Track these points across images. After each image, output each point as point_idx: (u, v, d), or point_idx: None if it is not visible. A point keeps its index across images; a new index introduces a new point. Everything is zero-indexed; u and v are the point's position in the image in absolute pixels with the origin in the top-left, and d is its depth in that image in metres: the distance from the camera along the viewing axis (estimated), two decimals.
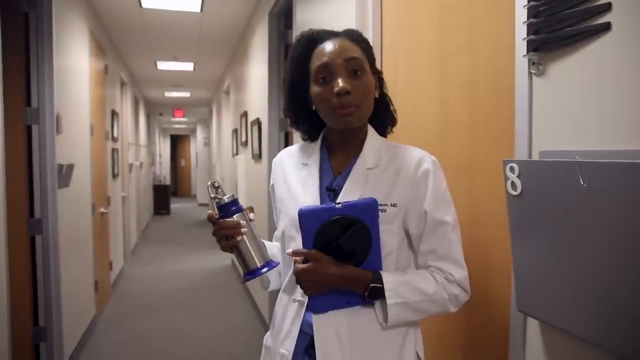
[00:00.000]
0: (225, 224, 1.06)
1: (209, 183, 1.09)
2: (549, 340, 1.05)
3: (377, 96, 1.14)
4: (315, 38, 1.12)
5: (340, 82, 1.05)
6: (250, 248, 1.07)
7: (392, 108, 1.21)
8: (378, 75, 1.16)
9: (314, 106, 1.13)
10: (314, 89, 1.09)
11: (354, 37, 1.13)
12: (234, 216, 1.07)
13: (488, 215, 1.28)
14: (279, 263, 1.15)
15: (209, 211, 1.09)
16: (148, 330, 4.13)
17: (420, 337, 1.17)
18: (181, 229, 10.23)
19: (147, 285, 5.61)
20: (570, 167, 0.87)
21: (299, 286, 1.07)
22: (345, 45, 1.09)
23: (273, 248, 1.28)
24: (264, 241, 1.22)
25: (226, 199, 1.08)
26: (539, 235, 0.99)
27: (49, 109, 2.90)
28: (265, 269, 1.08)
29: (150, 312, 4.62)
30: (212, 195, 1.08)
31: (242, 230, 1.06)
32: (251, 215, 1.11)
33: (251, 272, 1.08)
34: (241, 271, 1.11)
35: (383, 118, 1.19)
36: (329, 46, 1.09)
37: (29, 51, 2.87)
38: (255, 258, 1.08)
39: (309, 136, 1.23)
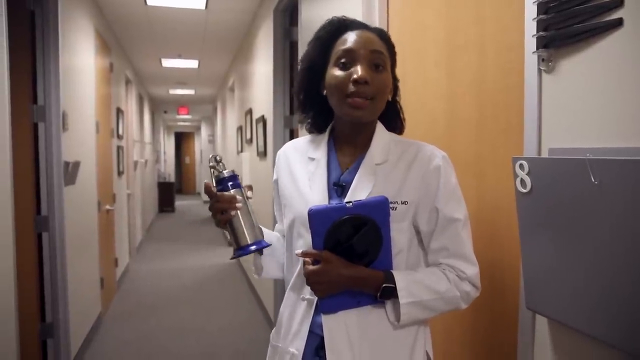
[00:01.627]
0: (222, 197, 1.05)
1: (211, 155, 1.08)
2: (557, 338, 1.04)
3: (390, 99, 1.13)
4: (346, 24, 1.11)
5: (359, 70, 1.03)
6: (243, 224, 1.06)
7: (402, 116, 1.20)
8: (394, 81, 1.15)
9: (325, 92, 1.11)
10: (332, 71, 1.07)
11: (384, 36, 1.12)
12: (232, 191, 1.06)
13: (496, 212, 1.27)
14: (269, 244, 1.13)
15: (206, 181, 1.08)
16: (153, 327, 4.15)
17: (429, 336, 1.16)
18: (186, 227, 10.25)
19: (152, 282, 5.63)
20: (581, 165, 0.87)
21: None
22: (374, 39, 1.08)
23: (273, 238, 1.25)
24: (265, 229, 1.21)
25: (225, 173, 1.07)
26: (548, 233, 0.99)
27: (55, 106, 2.91)
28: (254, 247, 1.07)
29: (156, 309, 4.63)
30: (211, 165, 1.07)
31: (238, 205, 1.05)
32: (249, 193, 1.10)
33: (241, 248, 1.07)
34: (233, 247, 1.09)
35: (391, 123, 1.18)
36: (357, 34, 1.08)
37: (35, 49, 2.87)
38: (247, 235, 1.07)
39: (315, 125, 1.20)
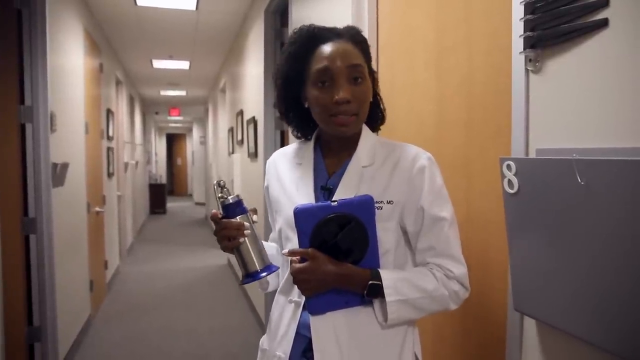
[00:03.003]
0: (230, 225, 1.04)
1: (215, 182, 1.07)
2: (546, 340, 1.04)
3: (371, 98, 1.12)
4: (316, 36, 1.09)
5: (341, 92, 1.03)
6: (251, 251, 1.06)
7: (382, 107, 1.19)
8: (373, 75, 1.14)
9: (306, 104, 1.11)
10: (312, 91, 1.07)
11: (356, 39, 1.10)
12: (238, 217, 1.05)
13: (484, 214, 1.27)
14: (278, 267, 1.13)
15: (213, 210, 1.07)
16: (144, 329, 4.11)
17: (417, 337, 1.16)
18: (177, 228, 10.20)
19: (142, 284, 5.59)
20: (567, 165, 0.87)
21: (295, 287, 1.06)
22: (348, 50, 1.06)
23: (272, 249, 1.26)
24: (263, 242, 1.20)
25: (231, 199, 1.06)
26: (536, 234, 0.99)
27: (43, 107, 2.88)
28: (264, 273, 1.07)
29: (146, 311, 4.60)
30: (219, 195, 1.06)
31: (245, 232, 1.04)
32: (254, 218, 1.09)
33: (250, 275, 1.06)
34: (240, 273, 1.09)
35: (373, 117, 1.18)
36: (331, 48, 1.05)
37: (22, 49, 2.84)
38: (256, 261, 1.06)
39: (300, 131, 1.20)
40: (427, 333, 1.50)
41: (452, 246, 1.08)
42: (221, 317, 4.45)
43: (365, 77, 1.07)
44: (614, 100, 0.86)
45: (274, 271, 1.09)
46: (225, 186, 1.07)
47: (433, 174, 1.08)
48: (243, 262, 1.07)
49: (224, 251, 1.08)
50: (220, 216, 1.05)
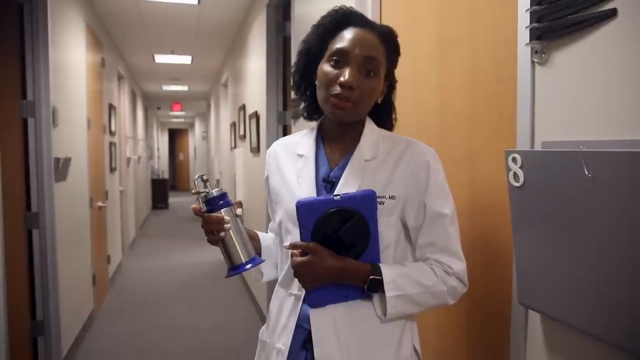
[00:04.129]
0: (209, 219, 1.05)
1: (197, 176, 1.09)
2: (550, 334, 1.03)
3: (380, 102, 1.12)
4: (349, 18, 1.08)
5: (347, 74, 1.02)
6: (235, 243, 1.07)
7: (394, 116, 1.19)
8: (391, 82, 1.14)
9: (316, 81, 1.10)
10: (323, 66, 1.06)
11: (387, 38, 1.09)
12: (222, 210, 1.06)
13: (489, 207, 1.26)
14: (264, 260, 1.14)
15: (193, 205, 1.09)
16: (146, 324, 4.12)
17: (416, 330, 1.16)
18: (179, 223, 10.20)
19: (145, 279, 5.60)
20: (574, 158, 0.86)
21: (296, 280, 1.06)
22: (372, 42, 1.05)
23: (268, 240, 1.26)
24: (260, 233, 1.22)
25: (215, 192, 1.07)
26: (541, 227, 0.98)
27: (45, 102, 2.87)
28: (249, 265, 1.07)
29: (149, 306, 4.61)
30: (199, 190, 1.07)
31: (226, 225, 1.05)
32: (238, 211, 1.09)
33: (235, 268, 1.07)
34: (227, 266, 1.10)
35: (382, 123, 1.18)
36: (356, 33, 1.05)
37: (24, 44, 2.83)
38: (240, 254, 1.07)
39: (307, 110, 1.19)
40: (430, 327, 1.49)
41: (452, 242, 1.08)
42: (224, 312, 4.46)
43: (378, 75, 1.06)
44: (621, 92, 0.85)
45: (258, 264, 1.10)
46: (208, 180, 1.09)
47: (436, 170, 1.08)
48: (227, 254, 1.08)
49: (211, 244, 1.10)
50: (202, 210, 1.06)
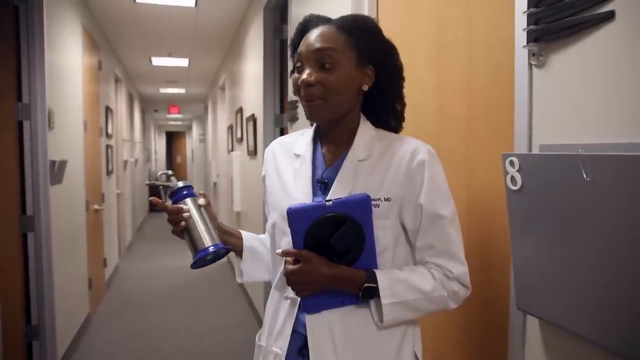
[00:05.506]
0: (170, 209, 1.08)
1: (160, 173, 1.16)
2: (548, 339, 1.02)
3: (366, 89, 1.08)
4: (309, 22, 1.11)
5: (304, 74, 1.04)
6: (198, 231, 1.09)
7: (396, 105, 1.14)
8: (374, 68, 1.08)
9: None
10: (293, 76, 1.09)
11: (346, 25, 1.06)
12: (185, 200, 1.10)
13: (486, 211, 1.25)
14: (228, 247, 1.14)
15: (151, 197, 1.13)
16: (143, 327, 4.10)
17: (419, 336, 1.13)
18: None
19: (142, 282, 5.58)
20: (572, 161, 0.85)
21: None
22: (325, 35, 1.04)
23: (252, 240, 1.25)
24: (246, 233, 1.25)
25: (177, 184, 1.12)
26: (539, 232, 0.97)
27: (41, 104, 2.86)
28: (212, 248, 1.07)
29: (145, 309, 4.58)
30: (159, 183, 1.14)
31: (185, 215, 1.07)
32: (200, 201, 1.12)
33: (198, 252, 1.08)
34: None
35: (381, 113, 1.14)
36: (310, 35, 1.07)
37: (19, 46, 2.82)
38: (203, 239, 1.08)
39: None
40: (428, 332, 1.48)
41: (453, 245, 1.04)
42: (220, 315, 4.44)
43: (339, 64, 1.03)
44: (619, 95, 0.84)
45: (220, 248, 1.10)
46: (173, 175, 1.16)
47: (433, 169, 1.04)
48: (191, 243, 1.09)
49: (175, 235, 1.12)
50: (162, 202, 1.10)
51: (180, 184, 1.12)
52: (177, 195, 1.11)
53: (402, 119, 1.17)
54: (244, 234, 1.25)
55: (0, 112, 2.77)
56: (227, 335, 3.94)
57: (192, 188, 1.13)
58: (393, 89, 1.13)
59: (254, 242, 1.25)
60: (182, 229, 1.09)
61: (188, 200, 1.10)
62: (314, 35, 1.05)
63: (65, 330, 3.35)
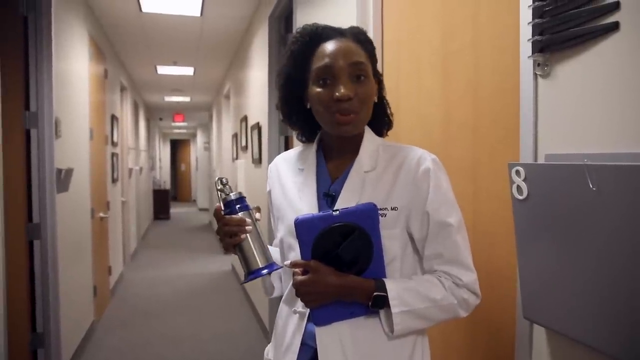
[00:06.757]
0: (231, 221, 1.00)
1: (217, 179, 1.05)
2: (556, 349, 1.02)
3: (376, 100, 1.10)
4: (319, 34, 1.07)
5: (342, 88, 1.00)
6: (253, 248, 1.02)
7: (389, 112, 1.17)
8: (378, 78, 1.12)
9: (308, 105, 1.09)
10: (313, 89, 1.05)
11: (360, 38, 1.08)
12: (240, 213, 1.02)
13: (492, 220, 1.25)
14: (281, 267, 1.09)
15: (217, 204, 1.04)
16: (147, 335, 4.10)
17: (427, 347, 1.12)
18: (181, 234, 10.19)
19: (146, 290, 5.58)
20: (578, 171, 0.85)
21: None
22: (351, 48, 1.04)
23: (276, 253, 1.23)
24: (268, 246, 1.18)
25: (232, 195, 1.03)
26: (545, 241, 0.97)
27: (48, 113, 2.88)
28: (266, 270, 1.03)
29: (150, 317, 4.58)
30: (219, 188, 1.04)
31: (247, 228, 1.01)
32: (257, 215, 1.06)
33: (252, 273, 1.03)
34: (243, 272, 1.06)
35: (379, 122, 1.16)
36: (333, 46, 1.03)
37: (27, 55, 2.85)
38: (258, 258, 1.02)
39: (304, 134, 1.19)
40: (435, 341, 1.48)
41: (460, 252, 1.04)
42: (225, 323, 4.43)
43: (369, 76, 1.05)
44: (625, 105, 0.85)
45: (276, 269, 1.05)
46: (227, 183, 1.05)
47: (438, 178, 1.05)
48: (245, 259, 1.03)
49: (226, 250, 1.05)
50: (222, 212, 1.02)
51: (234, 195, 1.04)
52: (232, 207, 1.03)
53: (391, 127, 1.19)
54: (270, 248, 1.20)
55: (9, 120, 2.78)
56: (231, 343, 3.93)
57: (246, 199, 1.05)
58: (385, 98, 1.16)
59: (277, 255, 1.22)
60: (238, 243, 1.02)
61: (244, 214, 1.03)
62: (341, 48, 1.03)
63: (70, 338, 3.35)
